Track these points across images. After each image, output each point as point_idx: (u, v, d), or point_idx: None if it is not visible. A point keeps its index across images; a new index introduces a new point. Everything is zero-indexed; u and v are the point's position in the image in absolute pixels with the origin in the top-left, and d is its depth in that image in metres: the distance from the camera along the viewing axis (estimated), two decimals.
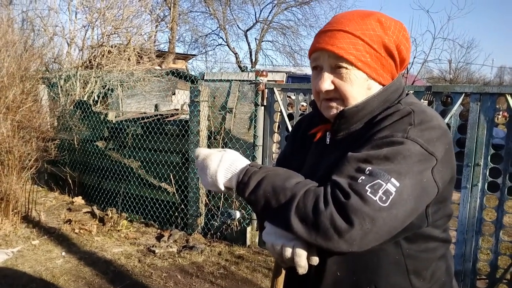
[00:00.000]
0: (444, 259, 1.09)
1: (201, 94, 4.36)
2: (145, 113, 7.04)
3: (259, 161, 4.11)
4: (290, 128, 3.93)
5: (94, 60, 6.84)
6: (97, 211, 4.93)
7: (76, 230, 4.43)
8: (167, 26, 17.36)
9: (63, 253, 3.92)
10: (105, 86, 6.91)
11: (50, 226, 4.54)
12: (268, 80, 4.22)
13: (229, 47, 22.89)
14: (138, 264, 3.75)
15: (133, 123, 5.54)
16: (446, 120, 3.20)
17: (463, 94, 3.21)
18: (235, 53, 23.01)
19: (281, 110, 4.04)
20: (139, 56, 7.37)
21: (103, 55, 6.91)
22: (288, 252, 0.92)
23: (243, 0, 22.67)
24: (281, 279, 1.11)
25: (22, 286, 3.28)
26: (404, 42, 1.05)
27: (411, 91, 3.34)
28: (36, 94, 5.32)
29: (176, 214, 4.62)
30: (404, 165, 0.88)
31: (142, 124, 5.26)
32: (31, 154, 4.54)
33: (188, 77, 10.27)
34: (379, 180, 0.86)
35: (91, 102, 6.13)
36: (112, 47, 7.07)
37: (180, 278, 3.51)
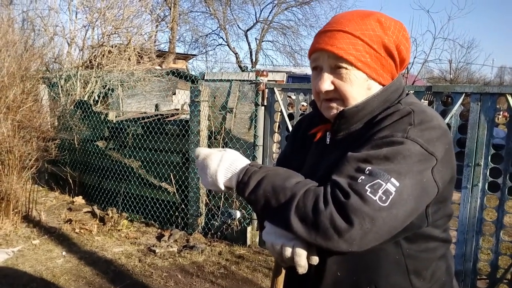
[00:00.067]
0: (444, 259, 1.09)
1: (202, 94, 4.36)
2: (145, 113, 7.05)
3: (259, 161, 4.11)
4: (290, 128, 3.93)
5: (95, 60, 6.85)
6: (97, 211, 4.93)
7: (77, 230, 4.43)
8: (167, 26, 17.37)
9: (64, 253, 3.93)
10: (106, 86, 6.92)
11: (50, 226, 4.55)
12: (268, 80, 4.22)
13: (229, 47, 22.91)
14: (138, 263, 3.75)
15: (133, 123, 5.54)
16: (447, 120, 3.20)
17: (464, 94, 3.21)
18: (236, 53, 23.03)
19: (281, 110, 4.04)
20: (139, 56, 7.37)
21: (103, 55, 6.91)
22: (288, 251, 0.92)
23: (244, 0, 22.68)
24: (281, 279, 1.11)
25: (22, 286, 3.28)
26: (404, 42, 1.05)
27: (412, 91, 3.34)
28: (37, 94, 5.33)
29: (177, 214, 4.62)
30: (404, 165, 0.89)
31: (143, 124, 5.26)
32: (32, 154, 4.54)
33: (188, 77, 10.26)
34: (379, 180, 0.86)
35: (91, 102, 6.14)
36: (112, 47, 7.08)
37: (181, 278, 3.51)
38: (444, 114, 3.27)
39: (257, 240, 4.19)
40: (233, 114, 4.90)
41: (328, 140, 1.12)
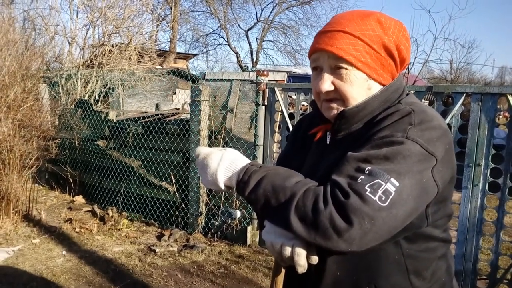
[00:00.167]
0: (444, 259, 1.09)
1: (202, 93, 4.36)
2: (146, 112, 7.05)
3: (259, 160, 4.11)
4: (290, 128, 3.93)
5: (95, 59, 6.85)
6: (97, 210, 4.93)
7: (77, 229, 4.43)
8: (168, 26, 17.38)
9: (64, 252, 3.93)
10: (106, 85, 6.92)
11: (50, 225, 4.55)
12: (269, 80, 4.22)
13: (230, 46, 22.89)
14: (138, 263, 3.75)
15: (134, 122, 5.55)
16: (447, 120, 3.20)
17: (464, 94, 3.21)
18: (236, 53, 23.02)
19: (282, 109, 4.04)
20: (140, 55, 7.37)
21: (104, 54, 6.92)
22: (287, 251, 0.92)
23: (244, 0, 22.67)
24: (280, 278, 1.11)
25: (22, 285, 3.29)
26: (404, 42, 1.05)
27: (412, 91, 3.34)
28: (37, 93, 5.33)
29: (177, 213, 4.63)
30: (404, 165, 0.88)
31: (143, 123, 5.26)
32: (32, 153, 4.54)
33: (189, 76, 10.27)
34: (378, 180, 0.86)
35: (92, 101, 6.14)
36: (113, 46, 7.08)
37: (181, 277, 3.52)
38: (444, 114, 3.27)
39: (257, 239, 4.19)
40: (234, 113, 4.90)
41: (328, 140, 1.12)
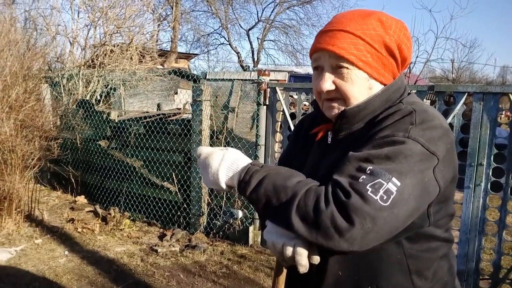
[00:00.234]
0: (446, 258, 1.09)
1: (204, 93, 4.36)
2: (147, 112, 7.05)
3: (261, 160, 4.11)
4: (292, 128, 3.92)
5: (97, 59, 6.85)
6: (99, 210, 4.94)
7: (79, 229, 4.44)
8: (169, 25, 17.40)
9: (66, 252, 3.93)
10: (108, 85, 6.93)
11: (53, 225, 4.56)
12: (270, 80, 4.22)
13: (231, 46, 22.89)
14: (140, 263, 3.76)
15: (135, 122, 5.55)
16: (449, 119, 3.20)
17: (466, 93, 3.21)
18: (237, 53, 23.01)
19: (283, 109, 4.04)
20: (141, 55, 7.38)
21: (105, 54, 6.92)
22: (289, 251, 0.92)
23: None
24: (282, 278, 1.11)
25: (25, 285, 3.29)
26: (405, 41, 1.05)
27: (414, 91, 3.33)
28: (39, 93, 5.34)
29: (179, 213, 4.63)
30: (405, 164, 0.88)
31: (145, 123, 5.27)
32: (34, 153, 4.55)
33: (190, 76, 10.28)
34: (380, 180, 0.86)
35: (93, 101, 6.15)
36: (114, 46, 7.09)
37: (183, 277, 3.52)
38: (446, 113, 3.26)
39: (259, 239, 4.19)
40: (235, 113, 4.91)
41: (329, 139, 1.12)
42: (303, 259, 0.91)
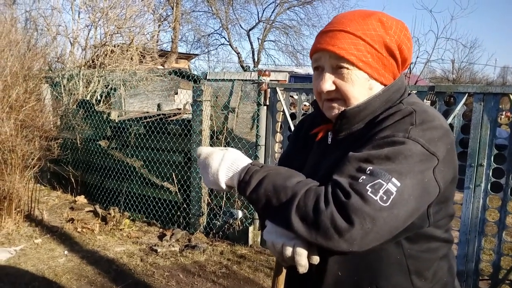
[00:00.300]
0: (446, 259, 1.09)
1: (204, 93, 4.36)
2: (147, 112, 7.05)
3: (261, 160, 4.11)
4: (292, 128, 3.93)
5: (97, 60, 6.86)
6: (99, 210, 4.94)
7: (79, 229, 4.44)
8: (169, 26, 17.40)
9: (66, 252, 3.93)
10: (108, 85, 6.93)
11: (52, 225, 4.56)
12: (270, 80, 4.22)
13: (231, 46, 22.90)
14: (140, 263, 3.76)
15: (135, 122, 5.55)
16: (449, 120, 3.20)
17: (466, 94, 3.21)
18: (238, 53, 23.03)
19: (283, 109, 4.04)
20: (141, 55, 7.38)
21: (106, 55, 6.93)
22: (288, 251, 0.92)
23: (246, 0, 22.67)
24: (282, 278, 1.11)
25: (24, 285, 3.29)
26: (406, 41, 1.05)
27: (414, 91, 3.33)
28: (39, 93, 5.34)
29: (179, 213, 4.63)
30: (405, 165, 0.88)
31: (145, 123, 5.27)
32: (34, 153, 4.55)
33: (190, 76, 10.28)
34: (380, 180, 0.86)
35: (94, 101, 6.15)
36: (115, 47, 7.09)
37: (182, 277, 3.52)
38: (446, 114, 3.26)
39: (259, 240, 4.19)
40: (235, 113, 4.91)
41: (329, 140, 1.12)
42: (303, 259, 0.91)
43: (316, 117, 1.20)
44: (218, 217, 4.41)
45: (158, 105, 9.02)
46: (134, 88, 7.73)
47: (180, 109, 7.77)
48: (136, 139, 5.20)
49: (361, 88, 1.03)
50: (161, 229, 4.60)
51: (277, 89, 4.04)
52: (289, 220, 0.89)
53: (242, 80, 5.84)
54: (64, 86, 6.30)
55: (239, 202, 4.39)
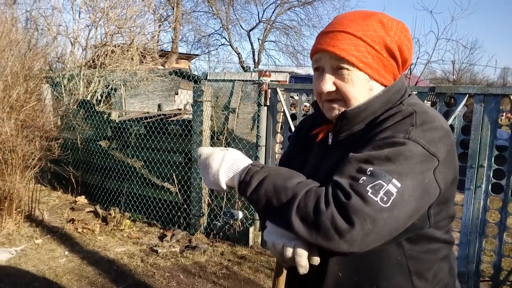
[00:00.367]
0: (447, 260, 1.09)
1: (204, 94, 4.36)
2: (148, 112, 7.05)
3: (261, 161, 4.11)
4: (293, 129, 3.92)
5: (98, 60, 6.86)
6: (100, 211, 4.94)
7: (79, 230, 4.44)
8: (170, 26, 17.41)
9: (66, 252, 3.93)
10: (108, 85, 6.94)
11: (53, 225, 4.56)
12: (271, 80, 4.22)
13: (232, 47, 22.91)
14: (140, 263, 3.76)
15: (136, 122, 5.55)
16: (450, 121, 3.20)
17: (467, 95, 3.21)
18: (238, 53, 23.04)
19: (284, 110, 4.04)
20: (142, 55, 7.39)
21: (106, 55, 6.93)
22: (289, 251, 0.92)
23: (246, 0, 22.68)
24: (282, 279, 1.11)
25: (25, 285, 3.29)
26: (406, 42, 1.05)
27: (415, 92, 3.33)
28: (40, 93, 5.34)
29: (179, 214, 4.63)
30: (405, 165, 0.88)
31: (145, 123, 5.27)
32: (35, 153, 4.55)
33: (191, 77, 10.28)
34: (380, 181, 0.86)
35: (94, 101, 6.15)
36: (115, 47, 7.10)
37: (183, 278, 3.52)
38: (447, 115, 3.26)
39: (259, 240, 4.19)
40: (236, 114, 4.90)
41: (330, 140, 1.12)
42: (303, 260, 0.91)
43: (317, 117, 1.20)
44: (218, 217, 4.41)
45: (159, 106, 9.01)
46: (135, 88, 7.73)
47: (181, 109, 7.77)
48: (137, 139, 5.20)
49: (361, 89, 1.03)
50: (161, 230, 4.60)
51: (278, 89, 4.04)
52: (290, 220, 0.89)
53: (242, 80, 5.85)
54: (64, 86, 6.30)
55: (239, 203, 4.39)
